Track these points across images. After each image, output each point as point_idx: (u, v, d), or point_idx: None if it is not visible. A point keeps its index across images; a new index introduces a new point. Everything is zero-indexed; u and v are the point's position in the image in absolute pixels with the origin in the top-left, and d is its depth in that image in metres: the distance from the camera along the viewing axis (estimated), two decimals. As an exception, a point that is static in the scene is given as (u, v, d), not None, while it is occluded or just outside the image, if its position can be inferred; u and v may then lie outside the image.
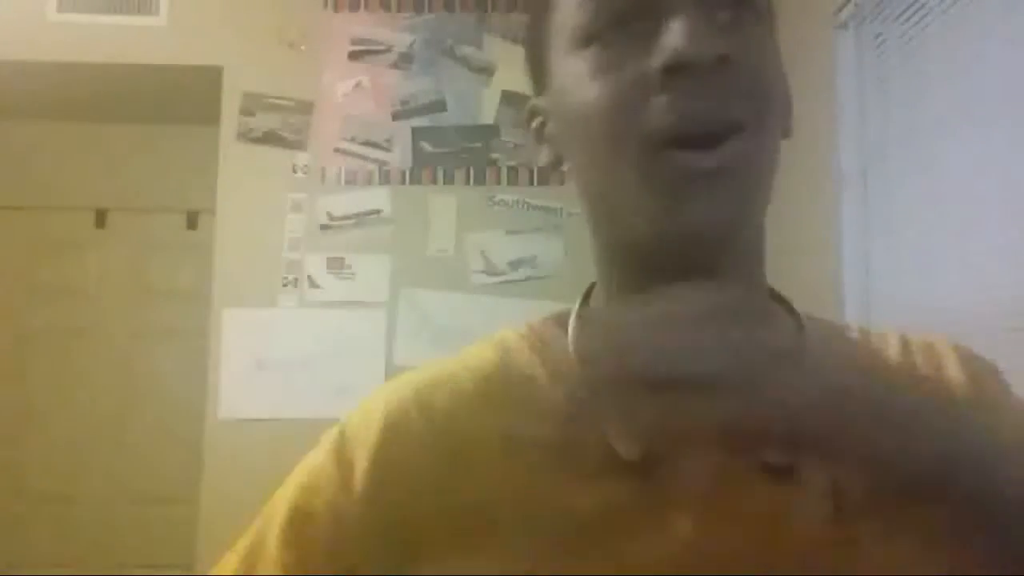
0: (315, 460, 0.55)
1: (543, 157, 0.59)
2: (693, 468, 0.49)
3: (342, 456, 0.53)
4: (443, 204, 2.72)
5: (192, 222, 3.34)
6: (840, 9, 2.08)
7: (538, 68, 0.58)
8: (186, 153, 3.15)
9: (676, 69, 0.47)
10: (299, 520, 0.53)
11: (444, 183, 2.73)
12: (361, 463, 0.52)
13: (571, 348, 0.55)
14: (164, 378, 3.28)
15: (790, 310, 0.59)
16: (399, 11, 2.77)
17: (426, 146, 2.74)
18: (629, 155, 0.49)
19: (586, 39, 0.51)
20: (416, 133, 2.74)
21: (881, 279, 1.96)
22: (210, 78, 2.69)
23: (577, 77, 0.52)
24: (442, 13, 2.78)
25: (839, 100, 2.08)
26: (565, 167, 0.57)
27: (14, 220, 3.31)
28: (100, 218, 3.35)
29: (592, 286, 0.59)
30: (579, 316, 0.57)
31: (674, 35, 0.48)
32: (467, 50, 2.78)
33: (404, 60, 2.76)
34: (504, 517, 0.49)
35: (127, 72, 2.77)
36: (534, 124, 0.60)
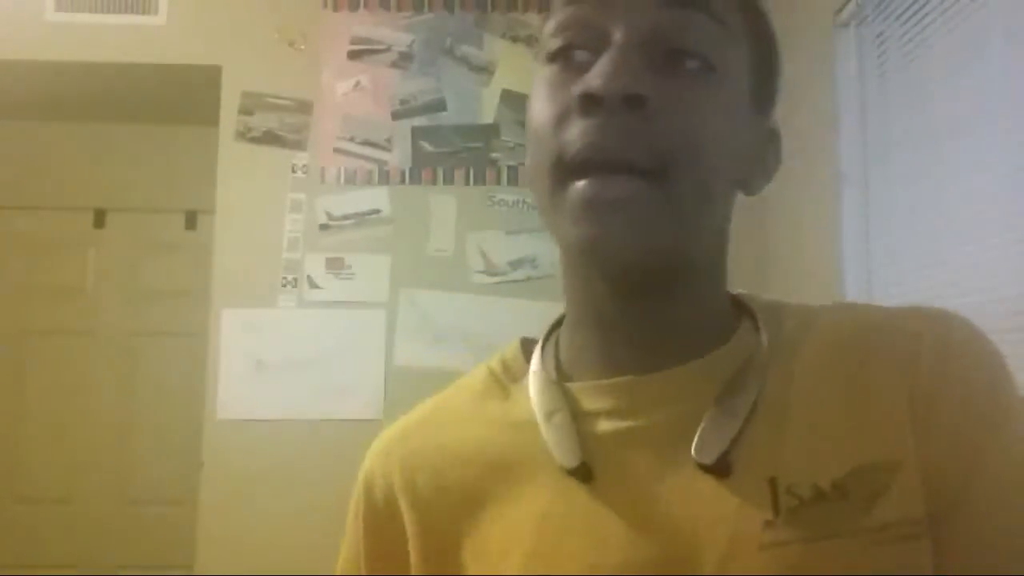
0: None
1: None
2: (630, 471, 0.52)
3: (356, 517, 0.63)
4: (443, 204, 2.71)
5: (191, 222, 3.33)
6: (841, 8, 2.08)
7: None
8: (185, 153, 3.15)
9: (586, 100, 0.50)
10: None
11: (444, 183, 2.72)
12: (358, 532, 0.62)
13: (531, 389, 0.59)
14: (163, 378, 3.28)
15: (753, 320, 0.59)
16: (399, 10, 2.77)
17: (426, 146, 2.73)
18: (549, 174, 0.52)
19: (548, 57, 0.55)
20: (416, 133, 2.73)
21: (882, 279, 1.96)
22: (209, 77, 2.68)
23: (535, 92, 0.56)
24: (442, 12, 2.77)
25: (840, 100, 2.07)
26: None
27: (12, 220, 3.31)
28: (99, 218, 3.35)
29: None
30: (543, 348, 0.62)
31: (595, 68, 0.50)
32: (467, 49, 2.77)
33: (404, 59, 2.75)
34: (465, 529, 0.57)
35: (125, 72, 2.77)
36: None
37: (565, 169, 0.51)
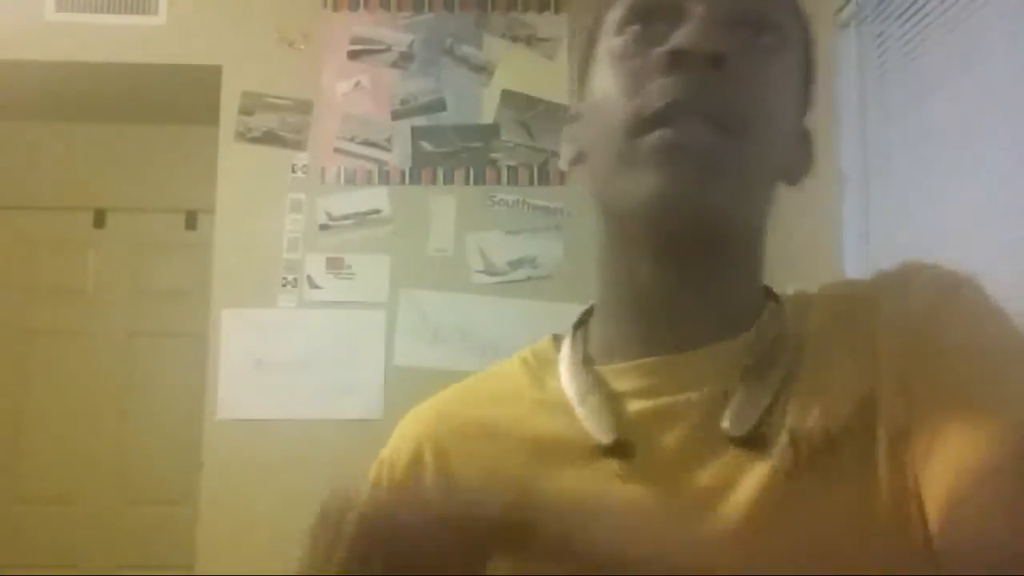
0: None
1: (564, 156, 0.63)
2: (662, 448, 0.54)
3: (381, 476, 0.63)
4: (443, 204, 2.71)
5: (191, 222, 3.33)
6: (841, 8, 2.08)
7: (583, 71, 0.62)
8: (185, 153, 3.15)
9: (673, 56, 0.52)
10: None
11: (444, 183, 2.72)
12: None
13: (561, 377, 0.60)
14: (163, 378, 3.27)
15: (777, 302, 0.61)
16: (399, 10, 2.77)
17: (426, 146, 2.73)
18: (623, 133, 0.54)
19: (620, 28, 0.57)
20: (416, 133, 2.73)
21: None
22: (209, 77, 2.68)
23: (600, 65, 0.58)
24: (442, 12, 2.77)
25: (840, 100, 2.07)
26: (581, 164, 0.61)
27: (12, 220, 3.31)
28: (99, 218, 3.35)
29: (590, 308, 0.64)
30: (573, 339, 0.63)
31: (680, 31, 0.54)
32: (467, 49, 2.77)
33: (404, 59, 2.75)
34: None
35: (126, 72, 2.77)
36: (566, 126, 0.65)
37: (643, 123, 0.53)
